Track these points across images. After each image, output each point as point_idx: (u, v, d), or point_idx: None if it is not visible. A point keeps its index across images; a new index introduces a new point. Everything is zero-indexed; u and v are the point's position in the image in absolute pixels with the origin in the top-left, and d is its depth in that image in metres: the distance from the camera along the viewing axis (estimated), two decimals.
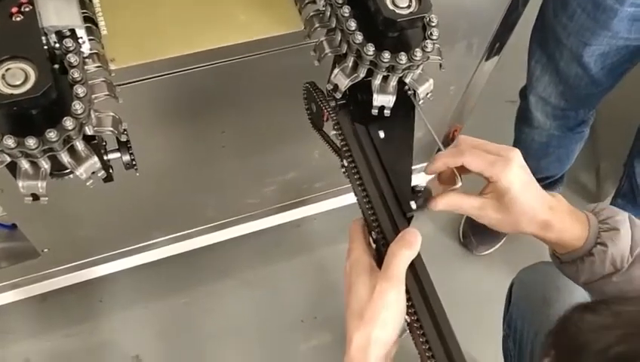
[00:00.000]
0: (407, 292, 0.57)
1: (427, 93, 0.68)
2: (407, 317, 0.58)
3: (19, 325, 1.41)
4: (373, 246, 0.62)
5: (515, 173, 0.61)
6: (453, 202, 0.65)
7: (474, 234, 1.61)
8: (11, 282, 1.21)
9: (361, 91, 0.66)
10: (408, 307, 0.57)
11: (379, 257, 0.60)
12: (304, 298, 1.53)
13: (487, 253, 1.61)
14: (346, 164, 0.66)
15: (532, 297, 1.03)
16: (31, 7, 0.57)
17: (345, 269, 0.61)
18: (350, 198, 1.37)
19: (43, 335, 1.41)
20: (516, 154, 0.62)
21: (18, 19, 0.56)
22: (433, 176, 0.68)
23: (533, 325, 0.98)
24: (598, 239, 0.64)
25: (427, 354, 0.56)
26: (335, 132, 0.67)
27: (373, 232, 0.62)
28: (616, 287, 0.65)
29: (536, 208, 0.63)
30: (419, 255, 0.59)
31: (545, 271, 1.06)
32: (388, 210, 0.61)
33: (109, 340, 1.43)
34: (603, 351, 0.37)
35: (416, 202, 0.62)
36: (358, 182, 0.64)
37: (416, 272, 0.58)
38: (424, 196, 0.66)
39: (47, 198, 0.59)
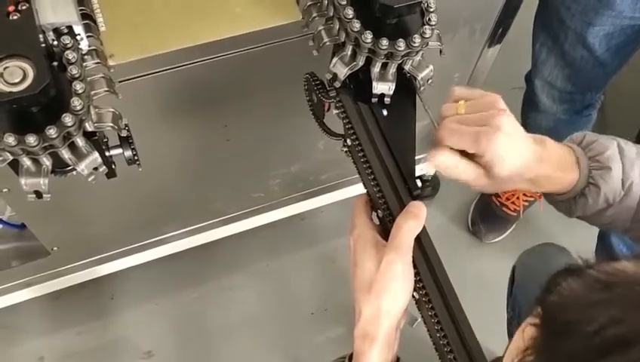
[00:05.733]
0: (415, 266, 0.57)
1: (428, 80, 0.67)
2: (414, 293, 0.58)
3: (32, 323, 1.43)
4: (377, 223, 0.62)
5: (499, 145, 0.57)
6: (451, 162, 0.60)
7: (483, 221, 1.60)
8: (23, 281, 1.22)
9: (362, 72, 0.65)
10: (416, 282, 0.57)
11: (385, 234, 0.59)
12: (314, 290, 1.53)
13: (496, 240, 1.61)
14: (349, 143, 0.66)
15: (535, 278, 1.02)
16: (28, 4, 0.57)
17: (348, 245, 0.61)
18: (357, 190, 1.36)
19: (56, 332, 1.43)
20: (503, 121, 0.58)
21: (15, 17, 0.56)
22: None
23: None
24: (589, 179, 0.62)
25: (436, 328, 0.56)
26: (337, 111, 0.67)
27: (379, 210, 0.62)
28: (609, 219, 0.65)
29: (524, 168, 0.60)
30: (425, 230, 0.58)
31: (547, 252, 1.06)
32: (393, 186, 0.61)
33: (121, 336, 1.44)
34: (596, 332, 0.34)
35: (423, 191, 0.62)
36: (362, 160, 0.64)
37: (422, 247, 0.58)
38: (432, 185, 0.65)
39: (49, 195, 0.60)
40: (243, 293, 1.50)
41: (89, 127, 0.59)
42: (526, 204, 1.57)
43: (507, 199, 1.57)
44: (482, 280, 1.51)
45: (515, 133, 0.59)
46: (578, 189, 0.63)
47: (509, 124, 0.59)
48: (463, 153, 0.62)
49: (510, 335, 1.13)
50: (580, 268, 0.39)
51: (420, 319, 0.59)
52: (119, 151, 0.67)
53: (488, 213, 1.60)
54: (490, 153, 0.58)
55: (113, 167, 0.67)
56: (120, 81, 0.73)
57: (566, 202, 0.66)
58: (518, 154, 0.59)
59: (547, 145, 0.63)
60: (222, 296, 1.50)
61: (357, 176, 0.66)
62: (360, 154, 0.64)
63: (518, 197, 1.56)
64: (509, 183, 0.62)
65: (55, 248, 1.15)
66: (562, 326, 0.36)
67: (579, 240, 1.37)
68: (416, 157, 0.65)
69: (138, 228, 1.23)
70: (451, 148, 0.60)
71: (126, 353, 1.43)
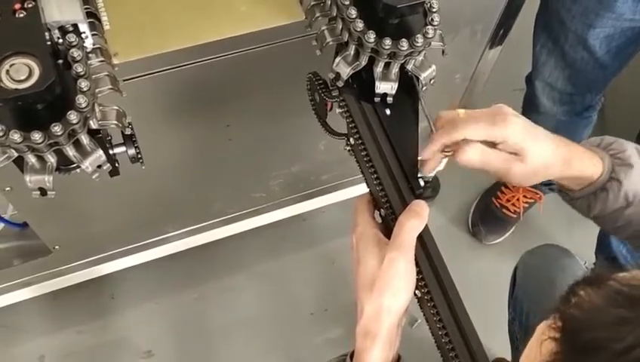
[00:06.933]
0: (417, 265, 0.58)
1: (430, 80, 0.68)
2: (417, 291, 0.58)
3: (32, 323, 1.43)
4: (379, 221, 0.63)
5: (517, 125, 0.61)
6: (481, 152, 0.62)
7: (483, 223, 1.60)
8: (23, 280, 1.22)
9: (366, 72, 0.66)
10: (418, 280, 0.58)
11: (387, 233, 0.60)
12: (314, 291, 1.53)
13: (496, 242, 1.61)
14: (352, 142, 0.66)
15: (537, 279, 1.03)
16: (34, 3, 0.57)
17: (351, 243, 0.61)
18: (358, 190, 1.37)
19: (56, 332, 1.43)
20: (505, 107, 0.62)
21: (21, 15, 0.57)
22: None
23: (538, 306, 0.98)
24: (612, 174, 0.64)
25: (438, 326, 0.56)
26: (340, 110, 0.67)
27: (381, 209, 0.62)
28: (626, 219, 0.66)
29: (552, 147, 0.63)
30: (427, 228, 0.59)
31: (548, 253, 1.06)
32: (396, 185, 0.62)
33: (121, 336, 1.44)
34: (623, 352, 0.33)
35: (424, 193, 0.62)
36: (365, 159, 0.64)
37: (425, 245, 0.59)
38: (432, 186, 0.66)
39: (54, 193, 0.60)
40: (243, 293, 1.50)
41: (93, 124, 0.59)
42: (526, 205, 1.57)
43: (507, 201, 1.58)
44: (482, 281, 1.51)
45: (527, 120, 0.62)
46: (600, 184, 0.64)
47: (511, 109, 0.62)
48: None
49: (511, 335, 1.14)
50: (599, 279, 0.38)
51: (420, 320, 0.60)
52: (123, 149, 0.67)
53: (488, 214, 1.60)
54: (514, 134, 0.61)
55: (117, 165, 0.67)
56: (124, 80, 0.74)
57: (585, 198, 0.66)
58: (535, 132, 0.62)
59: (563, 138, 0.65)
60: (222, 296, 1.50)
61: (358, 176, 0.67)
62: (363, 153, 0.64)
63: (518, 199, 1.57)
64: (543, 164, 0.63)
65: (56, 247, 1.15)
66: (586, 344, 0.35)
67: (578, 242, 1.37)
68: (419, 157, 0.65)
69: (139, 227, 1.23)
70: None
71: (126, 352, 1.43)
